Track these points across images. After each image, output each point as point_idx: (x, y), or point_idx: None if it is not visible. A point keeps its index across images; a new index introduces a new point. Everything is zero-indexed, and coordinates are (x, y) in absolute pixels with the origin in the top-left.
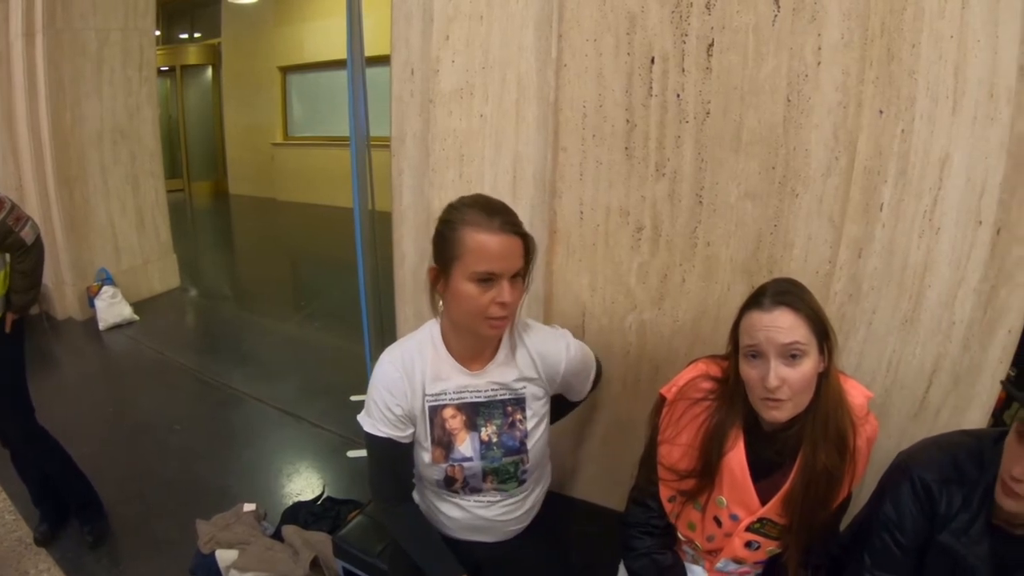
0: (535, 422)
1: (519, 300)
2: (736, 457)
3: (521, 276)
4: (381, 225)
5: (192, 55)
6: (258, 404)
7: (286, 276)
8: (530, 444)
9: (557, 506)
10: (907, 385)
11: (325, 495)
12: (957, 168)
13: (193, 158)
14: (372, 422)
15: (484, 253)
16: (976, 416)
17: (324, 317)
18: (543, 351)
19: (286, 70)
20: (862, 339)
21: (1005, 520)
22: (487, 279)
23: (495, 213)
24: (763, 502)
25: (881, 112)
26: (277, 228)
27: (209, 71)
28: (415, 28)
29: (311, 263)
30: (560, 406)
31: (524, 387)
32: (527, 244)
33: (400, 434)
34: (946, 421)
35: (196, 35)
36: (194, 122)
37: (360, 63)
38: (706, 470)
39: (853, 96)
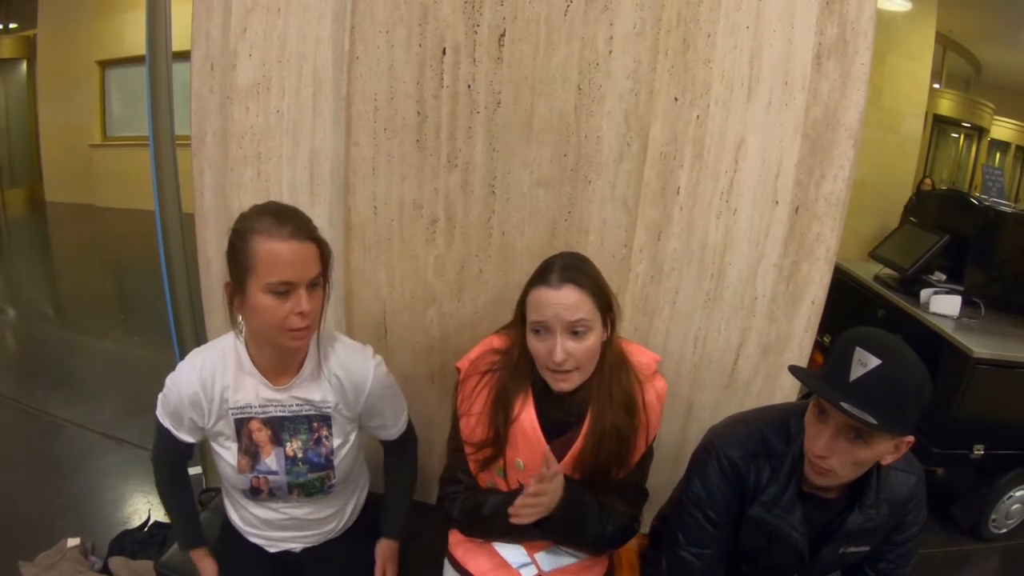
0: (342, 439)
1: (320, 308)
2: (527, 419)
3: (320, 283)
4: (192, 229)
5: (6, 48)
6: (78, 430)
7: (105, 288)
8: (336, 460)
9: (377, 508)
10: (716, 360)
11: (152, 520)
12: (752, 151)
13: (6, 163)
14: (163, 413)
15: (277, 262)
16: (788, 383)
17: (144, 330)
18: (349, 365)
19: (105, 64)
20: (667, 318)
21: (815, 488)
22: (283, 290)
23: (286, 220)
24: (559, 460)
25: (676, 99)
26: (96, 237)
27: (24, 66)
28: (215, 21)
29: (131, 273)
30: (389, 464)
31: (330, 406)
32: (322, 249)
33: (183, 436)
34: (759, 390)
35: (12, 26)
36: (8, 123)
37: (167, 57)
38: (497, 436)
39: (645, 83)
